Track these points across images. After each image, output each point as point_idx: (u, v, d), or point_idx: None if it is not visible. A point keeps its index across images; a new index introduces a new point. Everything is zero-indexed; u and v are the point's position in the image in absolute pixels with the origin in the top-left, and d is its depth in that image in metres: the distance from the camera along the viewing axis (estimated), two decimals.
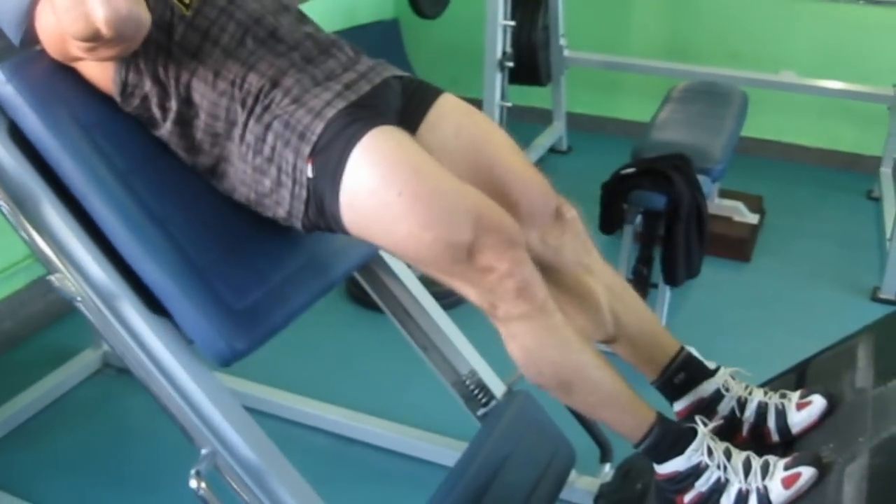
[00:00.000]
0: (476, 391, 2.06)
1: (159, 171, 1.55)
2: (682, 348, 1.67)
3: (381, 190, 1.36)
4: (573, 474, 2.07)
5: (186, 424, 1.51)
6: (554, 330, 1.42)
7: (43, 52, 1.51)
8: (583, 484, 2.10)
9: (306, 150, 1.40)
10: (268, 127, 1.43)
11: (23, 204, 1.48)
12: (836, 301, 3.23)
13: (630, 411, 1.49)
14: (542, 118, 4.44)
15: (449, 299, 2.96)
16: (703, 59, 4.31)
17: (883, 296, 3.21)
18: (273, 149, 1.43)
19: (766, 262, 3.50)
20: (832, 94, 4.09)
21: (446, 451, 2.23)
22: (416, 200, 1.36)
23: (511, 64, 3.77)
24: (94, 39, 1.33)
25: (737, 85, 3.72)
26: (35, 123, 1.47)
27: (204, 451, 1.48)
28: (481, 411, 2.06)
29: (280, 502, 1.53)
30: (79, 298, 1.47)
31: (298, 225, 1.49)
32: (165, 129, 1.50)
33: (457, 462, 1.82)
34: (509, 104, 3.85)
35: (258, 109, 1.43)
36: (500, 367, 2.10)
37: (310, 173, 1.41)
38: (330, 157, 1.39)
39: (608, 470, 2.01)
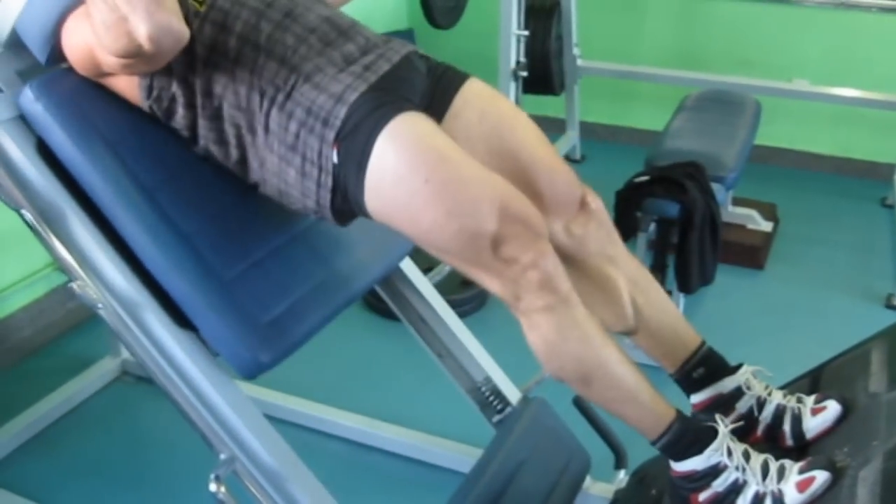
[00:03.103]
0: (491, 398, 2.07)
1: (185, 186, 1.57)
2: (703, 343, 1.66)
3: (407, 177, 1.34)
4: (588, 480, 2.08)
5: (206, 431, 1.53)
6: (576, 323, 1.40)
7: (69, 69, 1.53)
8: (598, 490, 2.10)
9: (331, 135, 1.39)
10: (290, 115, 1.42)
11: (49, 217, 1.50)
12: (850, 308, 3.22)
13: (649, 408, 1.48)
14: (556, 127, 4.44)
15: (464, 307, 2.97)
16: (715, 67, 4.32)
17: None
18: (297, 136, 1.42)
19: (780, 269, 3.50)
20: (845, 102, 4.09)
21: (462, 458, 2.24)
22: (443, 189, 1.34)
23: (525, 73, 3.77)
24: (134, 55, 1.34)
25: (750, 93, 3.73)
26: (62, 140, 1.49)
27: (223, 457, 1.50)
28: (496, 418, 2.07)
29: None
30: (100, 305, 1.49)
31: (329, 215, 1.47)
32: (194, 128, 1.50)
33: (472, 468, 1.83)
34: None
35: (280, 98, 1.43)
36: (515, 374, 2.11)
37: (335, 159, 1.39)
38: (355, 142, 1.37)
39: (623, 476, 2.01)
